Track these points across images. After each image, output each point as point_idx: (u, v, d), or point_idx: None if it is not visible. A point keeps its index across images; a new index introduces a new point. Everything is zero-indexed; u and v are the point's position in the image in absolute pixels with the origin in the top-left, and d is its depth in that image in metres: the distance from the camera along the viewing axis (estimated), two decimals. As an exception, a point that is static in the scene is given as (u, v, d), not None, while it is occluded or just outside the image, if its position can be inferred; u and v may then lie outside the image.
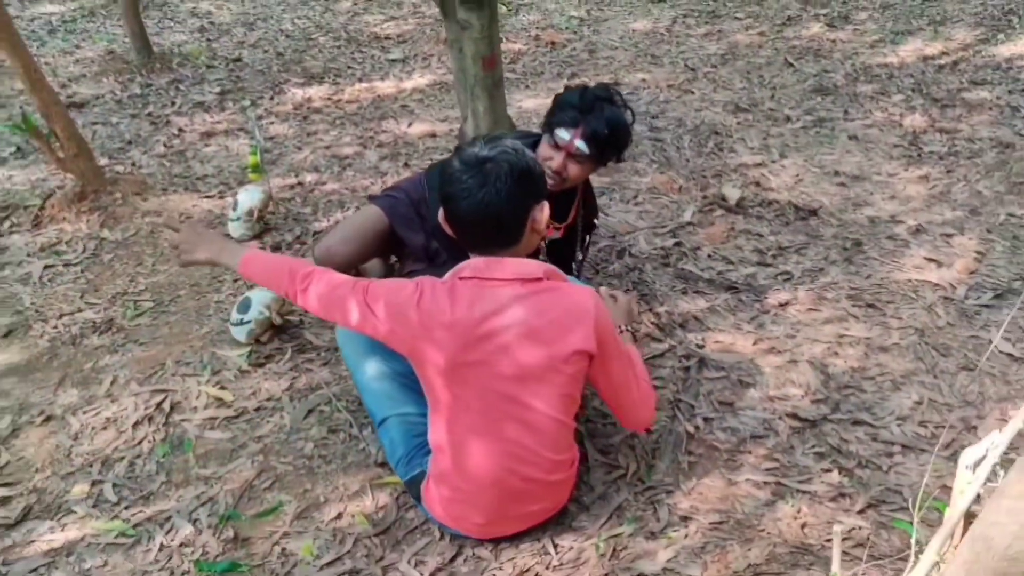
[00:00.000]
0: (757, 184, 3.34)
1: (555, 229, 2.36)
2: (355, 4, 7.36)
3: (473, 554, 1.71)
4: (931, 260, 2.71)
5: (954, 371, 2.19)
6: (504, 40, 5.71)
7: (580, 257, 2.46)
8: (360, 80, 5.22)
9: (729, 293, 2.60)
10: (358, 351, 1.90)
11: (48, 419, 2.22)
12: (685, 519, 1.74)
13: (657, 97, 4.44)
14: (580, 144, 2.03)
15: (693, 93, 4.49)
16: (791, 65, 4.88)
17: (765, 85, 4.57)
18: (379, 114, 4.58)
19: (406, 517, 1.82)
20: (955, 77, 4.42)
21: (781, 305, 2.52)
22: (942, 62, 4.68)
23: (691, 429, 2.02)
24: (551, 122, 2.09)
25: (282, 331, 2.51)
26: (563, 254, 2.42)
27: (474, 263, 1.58)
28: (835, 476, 1.85)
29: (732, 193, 3.19)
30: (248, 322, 2.43)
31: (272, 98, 4.95)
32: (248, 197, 3.11)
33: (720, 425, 2.04)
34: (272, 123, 4.50)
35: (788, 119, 4.06)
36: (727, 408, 2.10)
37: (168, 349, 2.50)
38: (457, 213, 1.56)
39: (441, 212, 1.64)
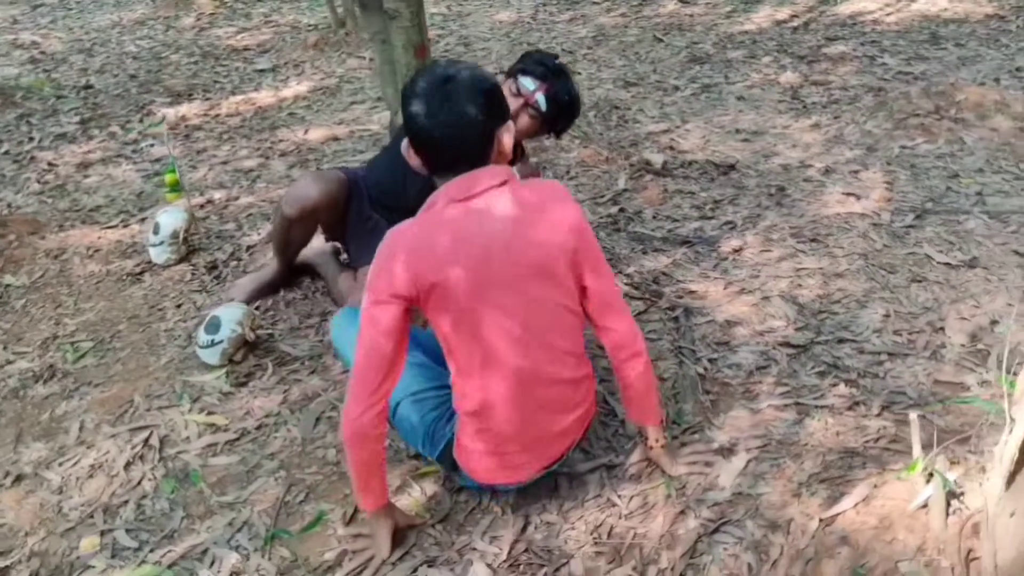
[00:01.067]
0: (672, 148, 3.51)
1: None
2: (198, 20, 7.03)
3: (541, 520, 1.71)
4: (849, 195, 2.95)
5: (905, 284, 2.41)
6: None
7: None
8: (233, 93, 5.01)
9: (685, 247, 2.72)
10: (353, 345, 1.81)
11: (19, 479, 2.00)
12: (730, 450, 1.83)
13: (546, 80, 4.53)
14: (541, 99, 2.09)
15: (580, 74, 4.62)
16: (660, 40, 5.13)
17: (643, 60, 4.78)
18: (267, 124, 4.41)
19: (460, 500, 1.79)
20: (810, 36, 4.81)
21: (735, 251, 2.67)
22: (794, 24, 5.08)
23: (701, 371, 2.12)
24: (519, 69, 2.13)
25: (254, 347, 2.38)
26: None
27: (444, 191, 1.53)
28: (843, 388, 2.00)
29: (655, 158, 3.33)
30: (220, 342, 2.29)
31: (141, 120, 4.65)
32: (171, 218, 2.91)
33: (725, 363, 2.14)
34: (152, 145, 4.23)
35: (676, 88, 4.27)
36: (724, 347, 2.21)
37: (130, 385, 2.31)
38: (422, 133, 1.51)
39: (404, 142, 1.59)
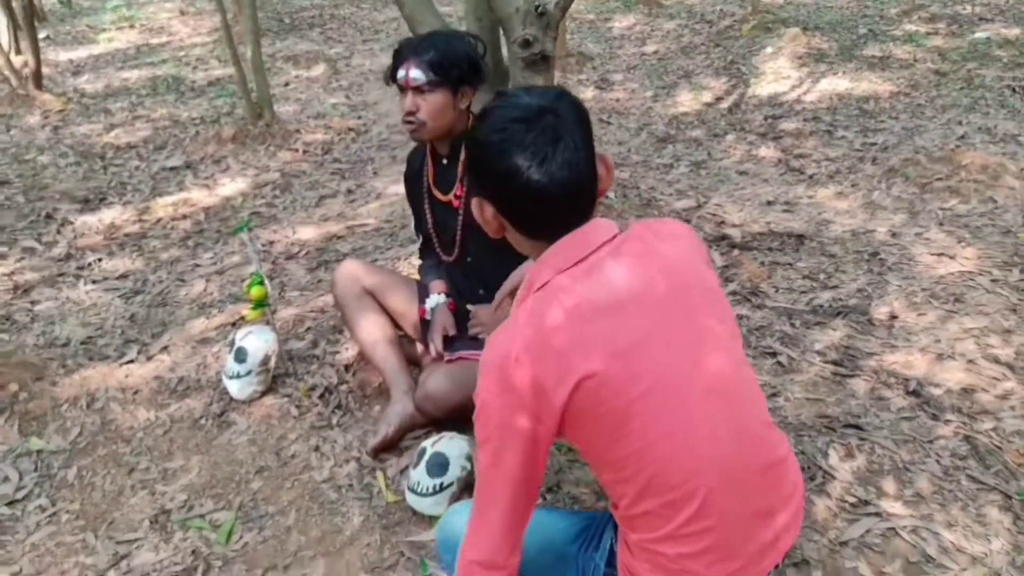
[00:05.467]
0: (723, 223, 3.46)
1: (455, 198, 2.15)
2: (47, 118, 6.13)
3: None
4: (940, 255, 3.05)
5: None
6: (301, 134, 5.18)
7: None
8: (157, 195, 4.32)
9: (840, 318, 2.64)
10: None
11: None
12: None
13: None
14: (415, 74, 1.97)
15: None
16: (608, 123, 5.18)
17: (608, 142, 4.77)
18: (235, 224, 3.82)
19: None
20: (752, 116, 5.08)
21: (892, 318, 2.63)
22: (725, 106, 5.36)
23: (995, 444, 2.00)
24: (391, 78, 2.04)
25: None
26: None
27: (545, 263, 1.16)
28: None
29: (733, 232, 3.26)
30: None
31: (58, 231, 3.86)
32: (259, 341, 2.34)
33: (1011, 429, 2.05)
34: (100, 260, 3.49)
35: (669, 166, 4.29)
36: (990, 416, 2.12)
37: (339, 560, 1.75)
38: (529, 190, 1.11)
39: (481, 208, 1.20)
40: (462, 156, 2.11)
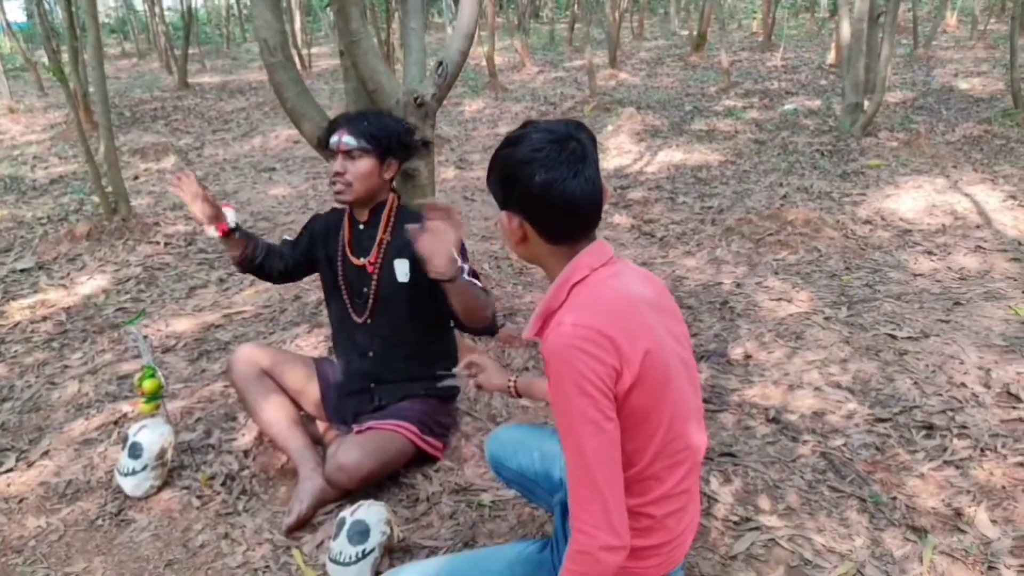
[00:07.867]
0: (590, 285, 3.73)
1: (369, 264, 2.28)
2: None
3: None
4: (779, 300, 3.44)
5: (898, 358, 2.86)
6: (161, 226, 5.10)
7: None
8: (9, 298, 4.13)
9: (703, 362, 2.92)
10: None
11: None
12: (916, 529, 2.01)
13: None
14: (347, 139, 2.16)
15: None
16: (472, 200, 5.43)
17: (473, 217, 5.02)
18: (102, 323, 3.72)
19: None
20: (603, 186, 5.50)
21: (747, 358, 2.94)
22: (578, 178, 5.76)
23: (848, 457, 2.29)
24: (325, 141, 2.24)
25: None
26: (413, 304, 2.27)
27: (580, 263, 1.34)
28: (958, 442, 2.32)
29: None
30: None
31: (-97, 345, 3.60)
32: (155, 435, 2.32)
33: (853, 447, 2.35)
34: (-44, 370, 3.30)
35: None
36: (838, 434, 2.42)
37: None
38: (562, 199, 1.29)
39: (508, 219, 1.34)
40: (381, 223, 2.26)
